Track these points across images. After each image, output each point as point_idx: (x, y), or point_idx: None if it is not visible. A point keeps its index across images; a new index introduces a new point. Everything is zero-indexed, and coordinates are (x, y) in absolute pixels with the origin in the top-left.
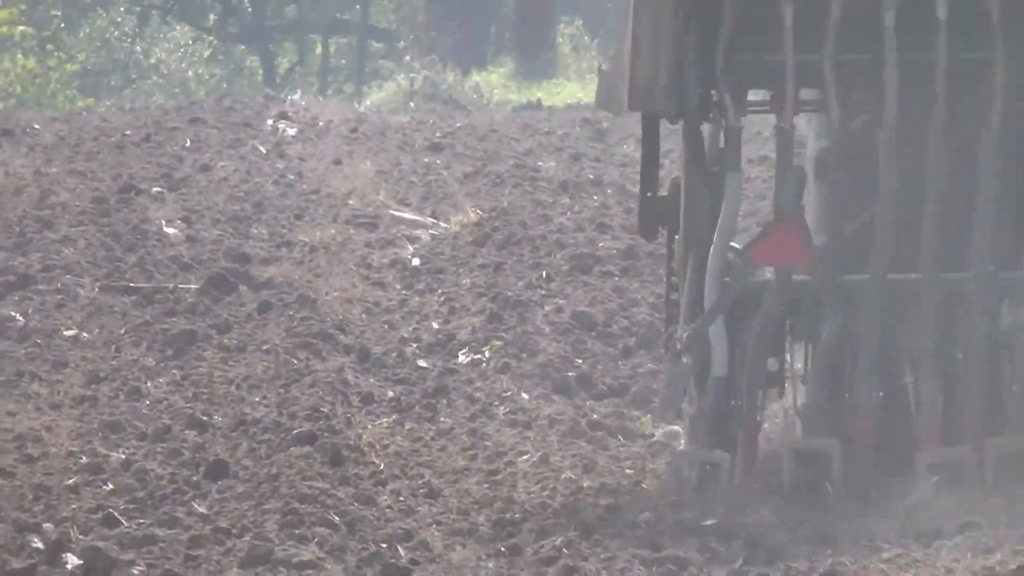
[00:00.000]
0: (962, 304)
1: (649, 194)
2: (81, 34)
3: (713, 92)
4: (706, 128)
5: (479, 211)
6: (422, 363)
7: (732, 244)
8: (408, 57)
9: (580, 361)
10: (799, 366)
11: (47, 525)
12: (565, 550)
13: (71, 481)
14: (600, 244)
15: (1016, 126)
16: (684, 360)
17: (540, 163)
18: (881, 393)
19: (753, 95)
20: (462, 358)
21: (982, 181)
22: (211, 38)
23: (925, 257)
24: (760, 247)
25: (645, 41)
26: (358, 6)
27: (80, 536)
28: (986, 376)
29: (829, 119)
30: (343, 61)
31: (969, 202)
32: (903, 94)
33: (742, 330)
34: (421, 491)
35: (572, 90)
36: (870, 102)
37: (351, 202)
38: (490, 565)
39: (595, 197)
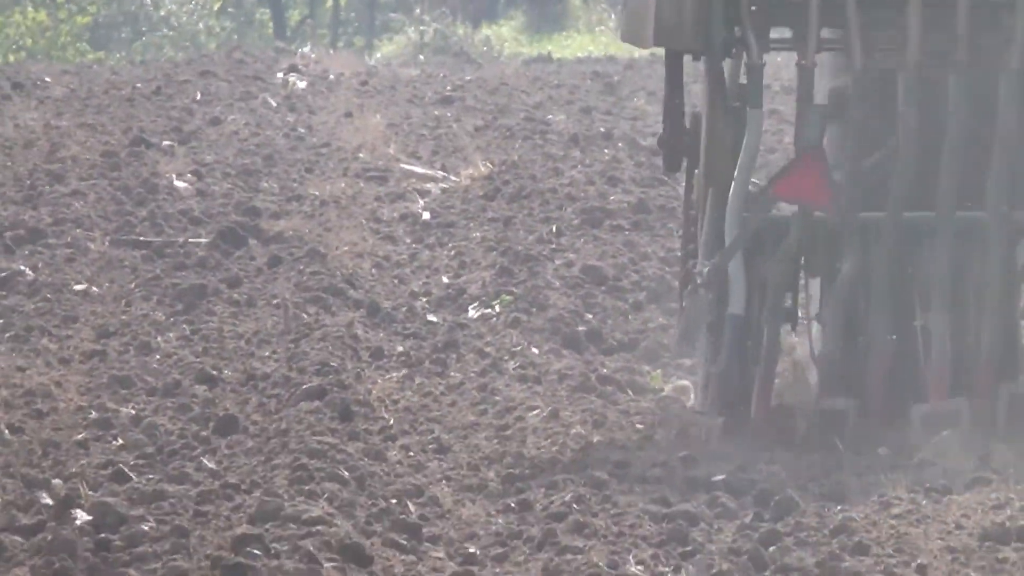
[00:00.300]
0: (978, 243)
1: (672, 127)
2: None
3: (736, 29)
4: (728, 64)
5: (489, 164)
6: (432, 318)
7: (752, 180)
8: (418, 10)
9: (590, 316)
10: (815, 310)
11: (56, 481)
12: (575, 505)
13: (80, 437)
14: (611, 198)
15: None
16: (703, 293)
17: (550, 116)
18: (895, 337)
19: (776, 33)
20: (472, 312)
21: (1000, 121)
22: None
23: (943, 196)
24: (782, 183)
25: None
26: None
27: (89, 492)
28: (1001, 317)
29: (851, 58)
30: (353, 14)
31: (987, 142)
32: (925, 34)
33: (761, 266)
34: (430, 446)
35: (582, 43)
36: (892, 42)
37: (361, 155)
38: (500, 521)
39: (606, 151)
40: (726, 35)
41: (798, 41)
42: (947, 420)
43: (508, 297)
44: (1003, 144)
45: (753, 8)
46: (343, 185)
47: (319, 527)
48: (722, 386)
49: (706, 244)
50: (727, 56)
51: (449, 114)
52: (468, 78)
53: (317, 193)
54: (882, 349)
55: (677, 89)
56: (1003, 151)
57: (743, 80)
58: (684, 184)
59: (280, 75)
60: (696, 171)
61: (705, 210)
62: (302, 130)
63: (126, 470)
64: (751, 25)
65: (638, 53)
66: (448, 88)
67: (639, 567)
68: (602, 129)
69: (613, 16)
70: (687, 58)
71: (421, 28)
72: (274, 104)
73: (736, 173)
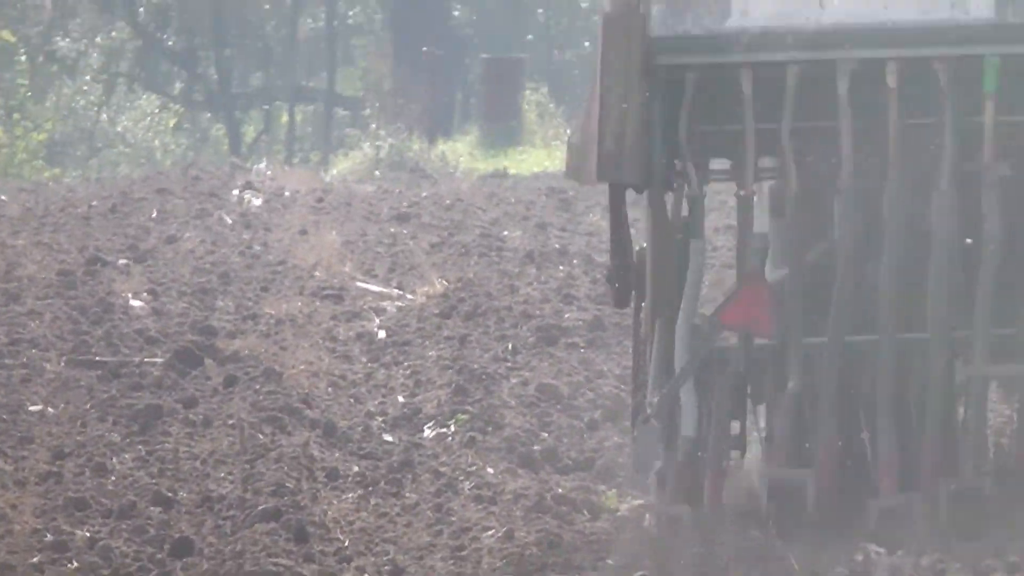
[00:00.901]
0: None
1: (618, 262)
2: (48, 103)
3: (677, 162)
4: (670, 197)
5: (445, 282)
6: (388, 437)
7: (698, 310)
8: (374, 125)
9: (546, 435)
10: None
11: None
12: None
13: (35, 560)
14: (566, 315)
15: (964, 188)
16: (654, 424)
17: (506, 232)
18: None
19: (716, 164)
20: (428, 432)
21: (935, 242)
22: (177, 107)
23: (883, 317)
24: (728, 311)
25: (612, 114)
26: (324, 73)
27: None
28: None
29: (787, 186)
30: (309, 129)
31: (923, 263)
32: (858, 160)
33: (708, 392)
34: (386, 568)
35: (538, 158)
36: (827, 168)
37: (317, 273)
38: None
39: (561, 267)
40: (667, 168)
41: (736, 171)
42: (899, 512)
43: (464, 416)
44: (939, 263)
45: (692, 140)
46: (299, 304)
47: None
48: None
49: (655, 375)
50: (668, 189)
51: (405, 231)
52: (424, 194)
53: (273, 312)
54: (829, 457)
55: (621, 223)
56: (940, 270)
57: (685, 212)
58: (632, 318)
59: (236, 192)
60: (643, 304)
61: (653, 341)
62: (258, 248)
63: None
64: (691, 157)
65: None
66: (404, 204)
67: None
68: (557, 246)
69: (568, 131)
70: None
71: (377, 144)
72: (230, 221)
73: (682, 303)
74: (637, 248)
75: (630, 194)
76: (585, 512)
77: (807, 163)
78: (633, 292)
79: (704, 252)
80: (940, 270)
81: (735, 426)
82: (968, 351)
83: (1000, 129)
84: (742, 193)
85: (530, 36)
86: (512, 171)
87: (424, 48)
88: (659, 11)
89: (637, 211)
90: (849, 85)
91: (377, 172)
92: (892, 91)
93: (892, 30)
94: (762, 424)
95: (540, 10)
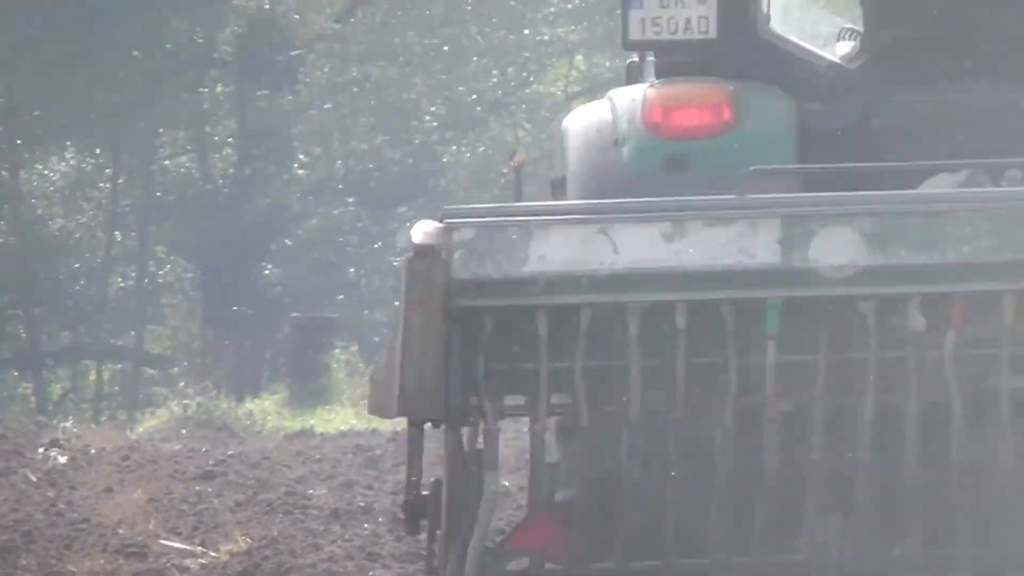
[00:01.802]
0: None
1: (413, 493)
2: None
3: (474, 398)
4: (466, 431)
5: (249, 540)
6: None
7: (490, 538)
8: (183, 383)
9: None
10: None
11: None
12: None
13: None
14: (370, 573)
15: (747, 423)
16: None
17: (311, 491)
18: None
19: (511, 400)
20: None
21: (718, 475)
22: None
23: (666, 541)
24: (518, 536)
25: (413, 352)
26: (133, 332)
27: None
28: None
29: (577, 422)
30: (117, 388)
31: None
32: (647, 397)
33: None
34: None
35: (346, 416)
36: (617, 405)
37: (121, 531)
38: None
39: (366, 525)
40: (464, 404)
41: (530, 407)
42: None
43: None
44: (719, 496)
45: (489, 378)
46: (102, 562)
47: None
48: None
49: None
50: (465, 424)
51: (210, 489)
52: (231, 452)
53: (75, 569)
54: None
55: (419, 456)
56: (722, 499)
57: (480, 445)
58: (426, 547)
59: (41, 450)
60: (438, 533)
61: (446, 568)
62: (62, 505)
63: None
64: (487, 394)
65: (400, 427)
66: (210, 462)
67: None
68: (363, 503)
69: (374, 371)
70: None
71: (184, 402)
72: (34, 479)
73: (475, 529)
74: (434, 479)
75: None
76: None
77: (598, 399)
78: (426, 521)
79: (498, 482)
80: (722, 499)
81: None
82: None
83: (782, 368)
84: (535, 428)
85: (341, 296)
86: (319, 429)
87: (234, 307)
88: (460, 255)
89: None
90: (639, 326)
91: (184, 430)
92: (681, 332)
93: (681, 274)
94: None
95: (351, 269)
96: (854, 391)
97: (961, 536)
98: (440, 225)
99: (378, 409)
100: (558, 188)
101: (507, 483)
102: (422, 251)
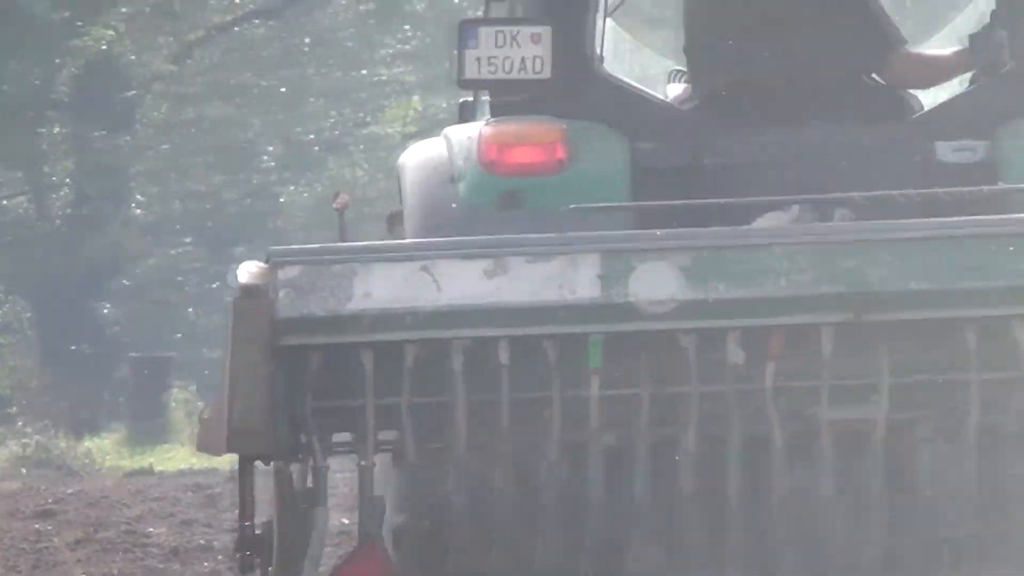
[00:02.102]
0: None
1: (246, 532)
2: None
3: (302, 435)
4: (296, 468)
5: None
6: None
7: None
8: (21, 423)
9: None
10: None
11: None
12: None
13: None
14: None
15: (572, 456)
16: None
17: (151, 529)
18: None
19: (339, 437)
20: None
21: (543, 507)
22: None
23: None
24: (344, 570)
25: (241, 390)
26: None
27: None
28: None
29: (405, 457)
30: None
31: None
32: (472, 432)
33: None
34: None
35: (185, 455)
36: (444, 440)
37: None
38: None
39: (206, 564)
40: (292, 441)
41: (358, 444)
42: None
43: None
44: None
45: (316, 415)
46: None
47: None
48: None
49: None
50: (294, 461)
51: (50, 527)
52: (69, 491)
53: None
54: None
55: (251, 495)
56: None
57: (309, 483)
58: None
59: None
60: (270, 570)
61: None
62: None
63: None
64: (315, 431)
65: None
66: (49, 501)
67: None
68: (202, 541)
69: (204, 411)
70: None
71: (23, 441)
72: None
73: (304, 564)
74: (266, 518)
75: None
76: None
77: (425, 435)
78: (259, 559)
79: (327, 518)
80: (548, 532)
81: None
82: None
83: (605, 402)
84: (363, 463)
85: (179, 335)
86: (158, 468)
87: (72, 346)
88: (285, 294)
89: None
90: (463, 362)
91: (23, 469)
92: (504, 367)
93: (503, 310)
94: None
95: (189, 309)
96: (677, 424)
97: (783, 565)
98: (266, 265)
99: (207, 445)
100: (396, 222)
101: (346, 520)
102: (248, 290)
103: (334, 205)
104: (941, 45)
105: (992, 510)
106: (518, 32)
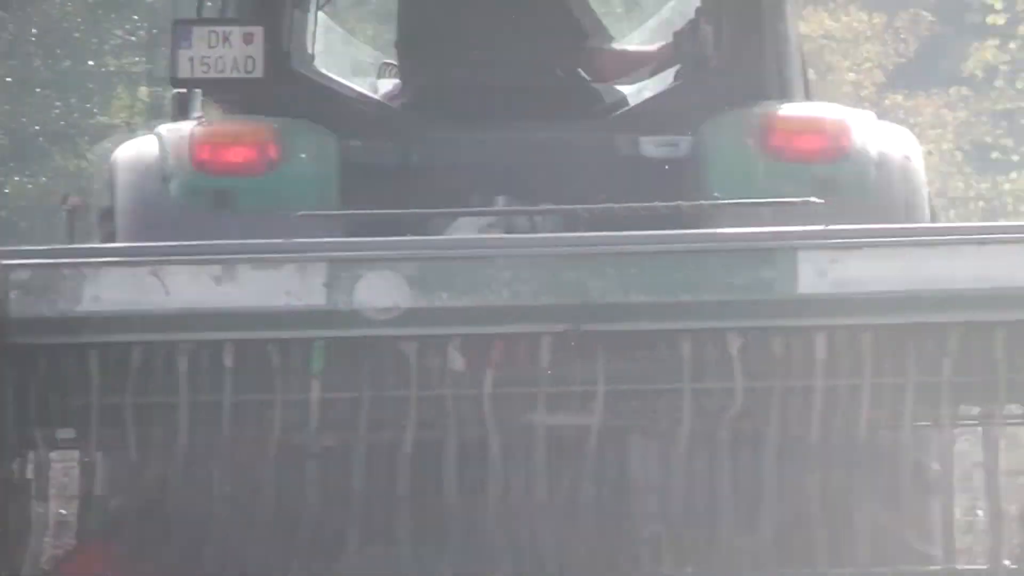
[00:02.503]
0: None
1: None
2: None
3: (28, 430)
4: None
5: None
6: None
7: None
8: None
9: None
10: None
11: None
12: None
13: None
14: None
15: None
16: None
17: None
18: None
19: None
20: None
21: (261, 506)
22: None
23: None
24: (68, 567)
25: None
26: None
27: None
28: None
29: (128, 456)
30: None
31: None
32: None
33: None
34: None
35: None
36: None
37: None
38: None
39: None
40: (18, 436)
41: (81, 440)
42: None
43: None
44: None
45: (42, 412)
46: None
47: None
48: None
49: None
50: (18, 456)
51: None
52: None
53: None
54: None
55: None
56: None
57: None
58: None
59: None
60: None
61: None
62: None
63: None
64: (39, 427)
65: None
66: None
67: None
68: None
69: None
70: None
71: None
72: None
73: (26, 558)
74: None
75: None
76: None
77: (148, 434)
78: None
79: (48, 511)
80: (266, 529)
81: None
82: None
83: (325, 406)
84: (86, 460)
85: None
86: None
87: None
88: (16, 295)
89: None
90: (189, 364)
91: None
92: (228, 370)
93: (230, 314)
94: None
95: None
96: (395, 427)
97: (498, 565)
98: None
99: None
100: (105, 219)
101: (64, 511)
102: None
103: (64, 207)
104: (646, 40)
105: (696, 512)
106: (231, 32)
